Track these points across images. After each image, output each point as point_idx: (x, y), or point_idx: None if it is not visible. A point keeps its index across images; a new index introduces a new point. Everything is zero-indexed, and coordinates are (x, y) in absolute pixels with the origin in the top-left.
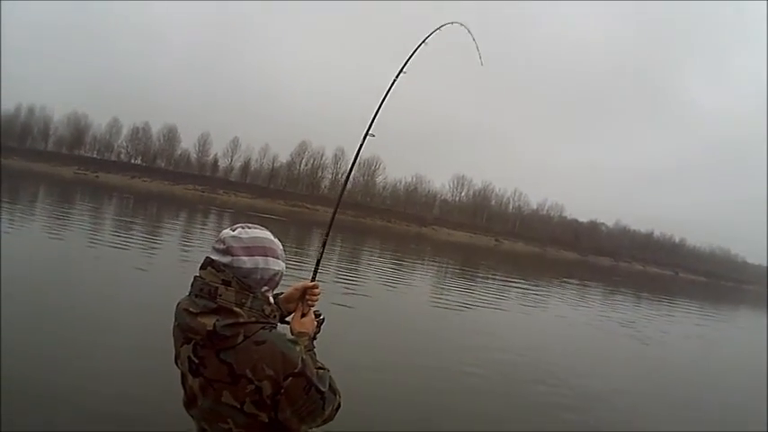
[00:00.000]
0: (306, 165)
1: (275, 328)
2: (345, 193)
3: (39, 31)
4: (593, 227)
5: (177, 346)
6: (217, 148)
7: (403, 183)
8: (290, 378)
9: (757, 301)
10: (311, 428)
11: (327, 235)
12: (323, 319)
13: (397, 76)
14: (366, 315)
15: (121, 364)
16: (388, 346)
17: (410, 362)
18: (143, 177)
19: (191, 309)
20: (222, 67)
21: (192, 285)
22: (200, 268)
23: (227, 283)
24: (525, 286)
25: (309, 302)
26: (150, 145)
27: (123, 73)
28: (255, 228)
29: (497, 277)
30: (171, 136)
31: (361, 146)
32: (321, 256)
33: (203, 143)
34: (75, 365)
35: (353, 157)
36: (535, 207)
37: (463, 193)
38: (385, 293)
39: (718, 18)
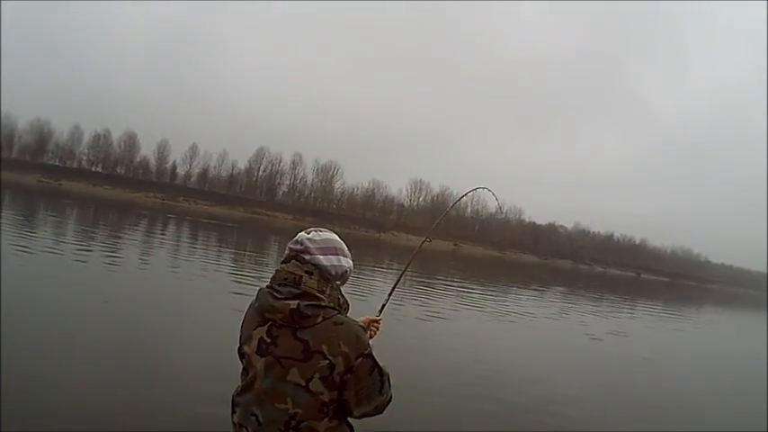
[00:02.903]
0: (264, 171)
1: None
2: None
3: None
4: (552, 229)
5: (249, 330)
6: (176, 155)
7: (360, 188)
8: (361, 358)
9: (726, 301)
10: (364, 411)
11: (398, 281)
12: None
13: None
14: None
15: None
16: None
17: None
18: (105, 185)
19: (275, 294)
20: (180, 73)
21: (273, 277)
22: (283, 262)
23: (309, 273)
24: (487, 292)
25: (372, 332)
26: (111, 152)
27: (84, 79)
28: (325, 231)
29: (457, 283)
30: (131, 143)
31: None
32: (389, 297)
33: (162, 150)
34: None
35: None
36: (493, 210)
37: (421, 198)
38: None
39: (676, 17)
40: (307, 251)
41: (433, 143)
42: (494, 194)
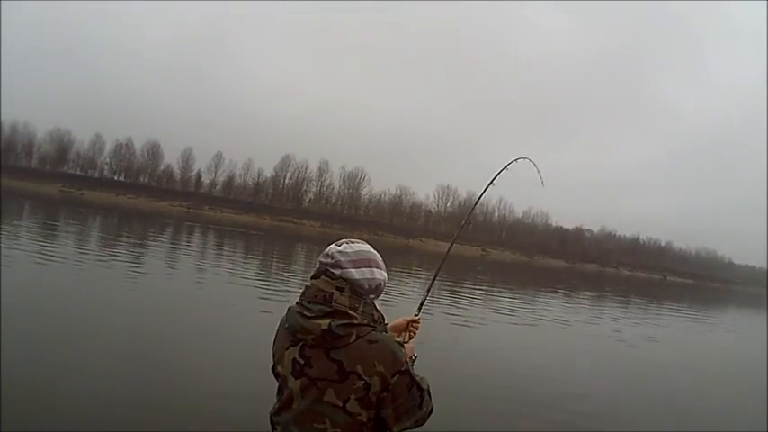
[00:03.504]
0: (290, 178)
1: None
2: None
3: (18, 47)
4: (579, 233)
5: (281, 349)
6: (200, 163)
7: (387, 195)
8: (397, 375)
9: (748, 302)
10: (404, 426)
11: (437, 273)
12: (416, 356)
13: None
14: None
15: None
16: None
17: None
18: (128, 194)
19: (305, 313)
20: (199, 80)
21: (303, 294)
22: (312, 278)
23: (340, 290)
24: (516, 297)
25: (411, 333)
26: (134, 161)
27: (104, 88)
28: (358, 242)
29: (486, 288)
30: (154, 151)
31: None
32: (428, 294)
33: (186, 158)
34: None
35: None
36: (520, 215)
37: (448, 204)
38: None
39: (695, 18)
40: (337, 265)
41: (456, 148)
42: (535, 165)
